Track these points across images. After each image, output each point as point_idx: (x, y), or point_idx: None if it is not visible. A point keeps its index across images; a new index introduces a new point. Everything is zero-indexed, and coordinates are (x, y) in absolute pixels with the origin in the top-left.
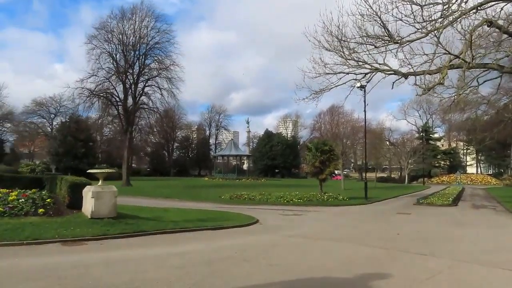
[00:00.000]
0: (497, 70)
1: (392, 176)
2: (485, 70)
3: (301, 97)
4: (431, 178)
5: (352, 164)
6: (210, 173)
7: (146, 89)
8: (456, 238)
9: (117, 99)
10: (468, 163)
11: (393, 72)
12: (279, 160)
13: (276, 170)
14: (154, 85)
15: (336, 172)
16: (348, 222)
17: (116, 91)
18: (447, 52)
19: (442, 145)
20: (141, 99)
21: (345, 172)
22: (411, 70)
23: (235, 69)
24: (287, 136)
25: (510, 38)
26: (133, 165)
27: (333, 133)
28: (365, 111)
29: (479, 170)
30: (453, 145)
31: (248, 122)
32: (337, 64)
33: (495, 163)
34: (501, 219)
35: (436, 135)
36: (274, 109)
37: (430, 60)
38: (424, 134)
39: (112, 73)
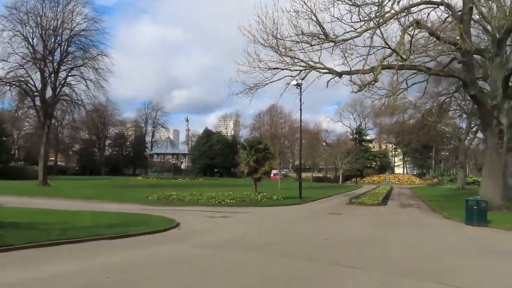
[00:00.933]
0: (425, 72)
1: (328, 176)
2: (414, 73)
3: (235, 91)
4: (363, 178)
5: (291, 164)
6: (146, 172)
7: (69, 79)
8: (386, 242)
9: (34, 88)
10: (396, 164)
11: (327, 70)
12: (218, 160)
13: (216, 170)
14: (79, 76)
15: (274, 171)
16: (276, 225)
17: (32, 79)
18: (384, 47)
19: (374, 147)
20: (62, 90)
21: (284, 172)
22: (346, 69)
23: (179, 67)
24: (227, 135)
25: (436, 41)
26: (59, 163)
27: (272, 133)
28: (300, 109)
29: (405, 170)
30: (383, 147)
31: (187, 120)
32: (273, 61)
33: (419, 164)
34: (426, 218)
35: (368, 137)
36: (218, 109)
37: (364, 60)
38: (357, 136)
39: (28, 59)
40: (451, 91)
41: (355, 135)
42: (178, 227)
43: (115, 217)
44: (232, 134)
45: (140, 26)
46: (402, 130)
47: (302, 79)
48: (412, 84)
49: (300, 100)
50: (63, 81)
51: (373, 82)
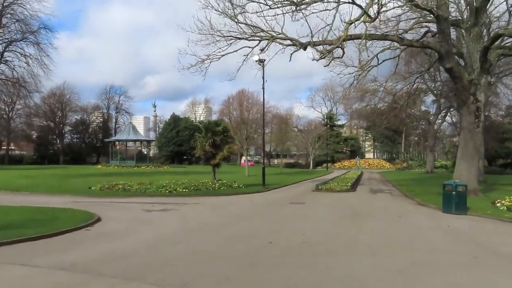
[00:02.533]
0: (397, 42)
1: (300, 162)
2: (385, 46)
3: (185, 65)
4: (334, 163)
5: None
6: (108, 160)
7: (7, 55)
8: (352, 246)
9: None
10: (366, 149)
11: (290, 42)
12: (186, 146)
13: (184, 157)
14: (19, 53)
15: (244, 158)
16: (220, 220)
17: None
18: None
19: (345, 132)
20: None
21: (257, 159)
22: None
23: (152, 51)
24: (195, 121)
25: (409, 12)
26: (16, 152)
27: (242, 118)
28: (263, 88)
29: (375, 155)
30: (354, 132)
31: (155, 106)
32: (230, 31)
33: (389, 149)
34: (399, 206)
35: (339, 123)
36: (191, 95)
37: (329, 27)
38: (328, 121)
39: None
40: (423, 70)
41: (326, 120)
42: (93, 226)
43: (27, 213)
44: (201, 120)
45: (112, 7)
46: (373, 113)
47: (262, 50)
48: (383, 61)
49: (263, 78)
50: None
51: (339, 46)
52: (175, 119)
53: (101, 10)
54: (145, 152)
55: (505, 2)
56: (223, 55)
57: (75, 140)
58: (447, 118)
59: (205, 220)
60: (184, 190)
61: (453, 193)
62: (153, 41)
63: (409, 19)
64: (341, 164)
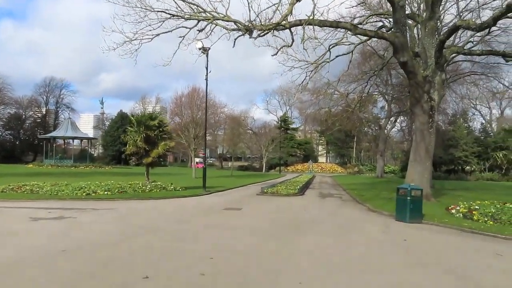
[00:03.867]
0: (350, 30)
1: (254, 165)
2: (338, 39)
3: (111, 46)
4: (287, 167)
5: (215, 152)
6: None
7: None
8: (276, 275)
9: None
10: (320, 153)
11: (234, 24)
12: None
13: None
14: None
15: (197, 159)
16: (113, 235)
17: None
18: None
19: (299, 135)
20: None
21: (211, 161)
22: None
23: (108, 47)
24: None
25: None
26: None
27: (193, 117)
28: (206, 79)
29: (328, 159)
30: (308, 136)
31: (102, 103)
32: (167, 10)
33: (341, 153)
34: (349, 213)
35: (294, 126)
36: (149, 94)
37: (276, 7)
38: (283, 124)
39: None
40: (376, 70)
41: (280, 123)
42: None
43: None
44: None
45: None
46: (326, 116)
47: (200, 31)
48: (336, 56)
49: (207, 69)
50: None
51: (282, 25)
52: (122, 116)
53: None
54: (91, 152)
55: None
56: (157, 34)
57: (7, 136)
58: (397, 124)
59: (91, 234)
60: (106, 193)
61: (408, 198)
62: (110, 36)
63: (363, 16)
64: (295, 168)
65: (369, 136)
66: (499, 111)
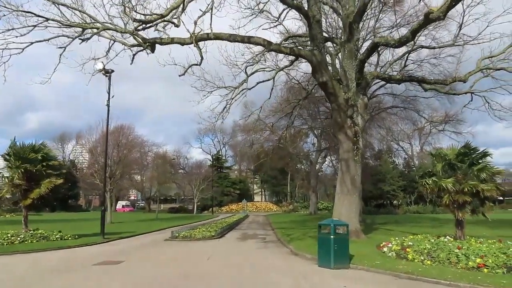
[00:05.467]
0: (264, 46)
1: (186, 206)
2: (254, 59)
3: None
4: (221, 207)
5: (142, 194)
6: None
7: None
8: None
9: None
10: (255, 192)
11: (130, 36)
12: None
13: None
14: None
15: (122, 203)
16: None
17: None
18: None
19: (236, 175)
20: None
21: (143, 204)
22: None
23: (36, 84)
24: (64, 161)
25: None
26: None
27: (118, 156)
28: (108, 105)
29: (264, 198)
30: (243, 174)
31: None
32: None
33: (276, 191)
34: (263, 261)
35: (227, 165)
36: (79, 137)
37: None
38: (216, 163)
39: None
40: (300, 99)
41: (213, 162)
42: None
43: None
44: (70, 159)
45: None
46: (258, 153)
47: (83, 40)
48: (257, 83)
49: (109, 94)
50: None
51: (168, 20)
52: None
53: None
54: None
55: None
56: (31, 43)
57: None
58: (327, 159)
59: None
60: None
61: (332, 237)
62: (38, 72)
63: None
64: (229, 208)
65: (302, 172)
66: (419, 147)
